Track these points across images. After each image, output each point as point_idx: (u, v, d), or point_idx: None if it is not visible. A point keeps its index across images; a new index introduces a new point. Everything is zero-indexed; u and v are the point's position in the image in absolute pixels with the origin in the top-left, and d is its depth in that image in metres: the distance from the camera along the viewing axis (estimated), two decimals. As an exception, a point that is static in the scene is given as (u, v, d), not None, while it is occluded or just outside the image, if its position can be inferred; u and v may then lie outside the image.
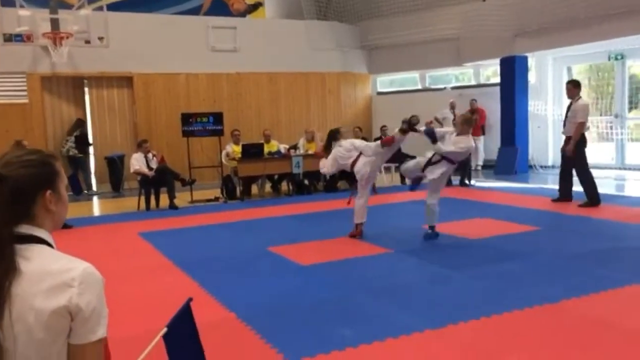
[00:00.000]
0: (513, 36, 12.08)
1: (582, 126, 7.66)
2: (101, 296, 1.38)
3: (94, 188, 12.27)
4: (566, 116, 7.88)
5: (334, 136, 6.74)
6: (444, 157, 5.96)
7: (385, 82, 15.85)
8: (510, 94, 12.34)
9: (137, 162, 9.41)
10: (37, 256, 1.37)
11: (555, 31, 11.21)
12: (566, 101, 12.77)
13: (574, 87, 7.87)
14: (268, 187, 11.01)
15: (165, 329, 1.74)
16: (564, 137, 8.05)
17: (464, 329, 3.57)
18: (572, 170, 7.95)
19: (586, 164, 7.77)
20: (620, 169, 11.78)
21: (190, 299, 1.90)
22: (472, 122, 6.09)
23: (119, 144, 12.40)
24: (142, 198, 9.37)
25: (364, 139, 11.44)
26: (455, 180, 10.70)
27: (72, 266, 1.36)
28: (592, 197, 7.70)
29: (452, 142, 5.87)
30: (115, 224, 8.19)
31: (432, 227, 6.24)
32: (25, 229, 1.39)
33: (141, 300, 4.45)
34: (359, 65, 15.22)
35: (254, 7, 14.79)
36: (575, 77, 13.11)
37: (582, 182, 7.80)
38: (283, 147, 10.89)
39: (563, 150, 7.95)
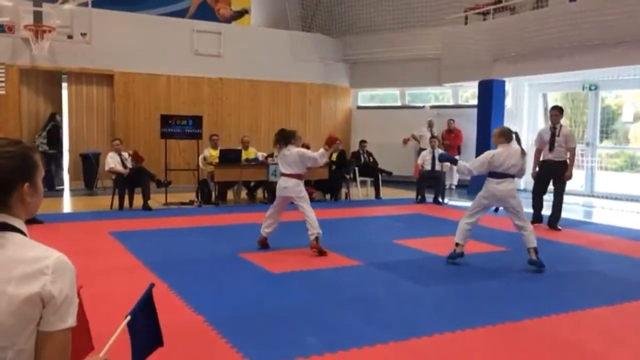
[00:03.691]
0: (492, 60, 12.35)
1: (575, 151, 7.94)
2: (73, 285, 1.41)
3: (66, 185, 12.12)
4: (552, 141, 7.90)
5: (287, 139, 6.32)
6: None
7: (366, 96, 16.02)
8: (486, 116, 12.57)
9: (112, 161, 9.35)
10: (12, 244, 1.40)
11: (531, 59, 11.50)
12: (541, 127, 13.22)
13: (560, 112, 8.00)
14: (244, 193, 11.01)
15: (129, 317, 1.76)
16: (533, 162, 8.17)
17: (427, 343, 3.64)
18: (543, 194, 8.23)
19: None
20: (589, 196, 12.06)
21: (153, 285, 1.93)
22: (507, 134, 5.77)
23: (95, 141, 12.27)
24: (116, 197, 9.29)
25: (342, 151, 11.60)
26: (429, 197, 10.87)
27: (46, 254, 1.40)
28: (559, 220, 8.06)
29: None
30: (86, 222, 8.12)
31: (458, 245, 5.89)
32: (0, 217, 1.42)
33: (108, 299, 4.43)
34: (341, 78, 15.37)
35: (240, 14, 14.85)
36: (551, 104, 13.43)
37: (559, 205, 8.02)
38: (261, 155, 10.92)
39: (543, 174, 8.05)
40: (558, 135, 7.86)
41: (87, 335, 1.86)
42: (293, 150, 6.22)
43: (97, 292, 4.55)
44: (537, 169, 8.19)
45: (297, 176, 6.25)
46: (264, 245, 6.40)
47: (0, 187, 1.42)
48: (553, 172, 7.96)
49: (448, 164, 11.18)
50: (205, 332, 3.75)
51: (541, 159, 8.16)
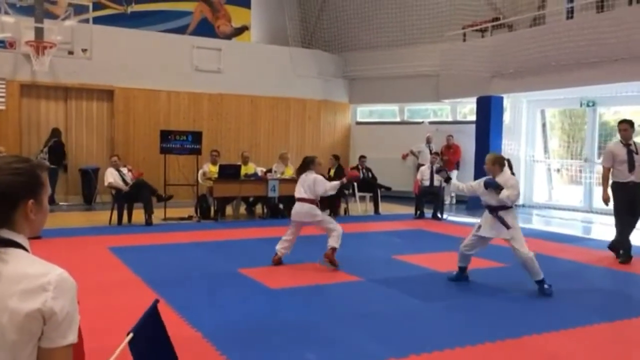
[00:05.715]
0: (490, 77, 12.43)
1: None
2: (74, 302, 1.41)
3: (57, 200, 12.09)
4: (632, 160, 6.81)
5: (307, 165, 6.52)
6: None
7: (365, 112, 16.08)
8: (485, 132, 12.63)
9: (111, 176, 9.36)
10: (14, 259, 1.40)
11: (529, 75, 11.58)
12: (539, 143, 13.31)
13: (631, 126, 6.92)
14: (242, 209, 11.01)
15: (130, 335, 1.71)
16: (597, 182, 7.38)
17: (427, 359, 3.62)
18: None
19: None
20: (587, 212, 12.06)
21: (157, 301, 1.87)
22: (501, 161, 5.49)
23: (95, 156, 12.30)
24: (115, 212, 9.28)
25: (340, 167, 11.61)
26: (428, 213, 10.87)
27: (47, 271, 1.40)
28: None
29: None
30: (85, 237, 8.10)
31: (462, 269, 5.82)
32: (4, 233, 1.43)
33: (106, 315, 4.41)
34: (340, 94, 15.45)
35: (240, 31, 14.97)
36: (549, 120, 13.50)
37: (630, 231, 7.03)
38: (260, 170, 10.93)
39: (624, 198, 6.88)
40: (637, 153, 6.82)
41: (80, 354, 1.83)
42: (311, 176, 6.38)
43: (95, 307, 4.53)
44: (609, 191, 7.05)
45: (311, 201, 6.32)
46: (278, 264, 6.42)
47: (5, 202, 1.43)
48: (634, 196, 6.85)
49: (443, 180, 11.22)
50: (203, 348, 3.73)
51: (616, 180, 6.97)
